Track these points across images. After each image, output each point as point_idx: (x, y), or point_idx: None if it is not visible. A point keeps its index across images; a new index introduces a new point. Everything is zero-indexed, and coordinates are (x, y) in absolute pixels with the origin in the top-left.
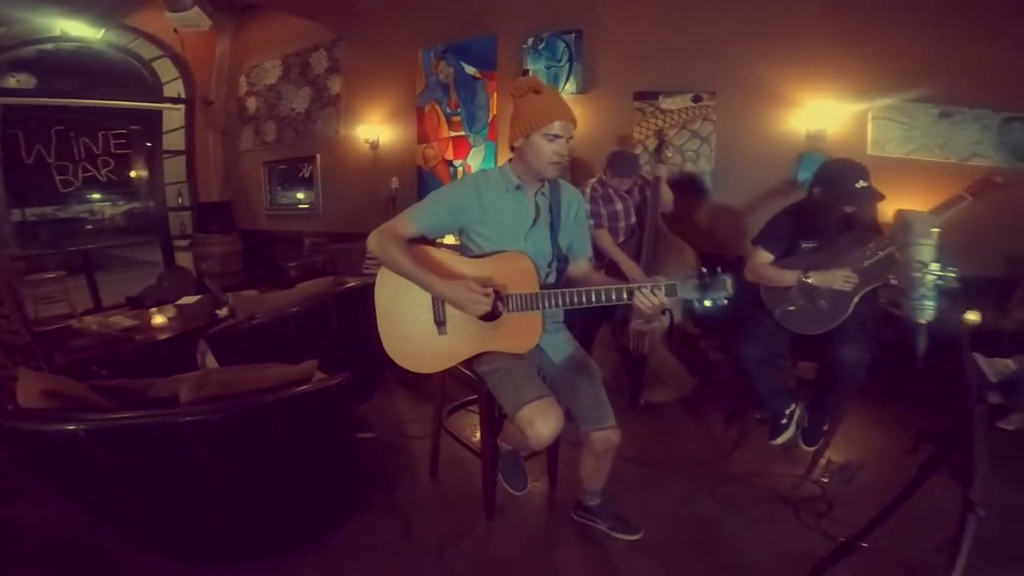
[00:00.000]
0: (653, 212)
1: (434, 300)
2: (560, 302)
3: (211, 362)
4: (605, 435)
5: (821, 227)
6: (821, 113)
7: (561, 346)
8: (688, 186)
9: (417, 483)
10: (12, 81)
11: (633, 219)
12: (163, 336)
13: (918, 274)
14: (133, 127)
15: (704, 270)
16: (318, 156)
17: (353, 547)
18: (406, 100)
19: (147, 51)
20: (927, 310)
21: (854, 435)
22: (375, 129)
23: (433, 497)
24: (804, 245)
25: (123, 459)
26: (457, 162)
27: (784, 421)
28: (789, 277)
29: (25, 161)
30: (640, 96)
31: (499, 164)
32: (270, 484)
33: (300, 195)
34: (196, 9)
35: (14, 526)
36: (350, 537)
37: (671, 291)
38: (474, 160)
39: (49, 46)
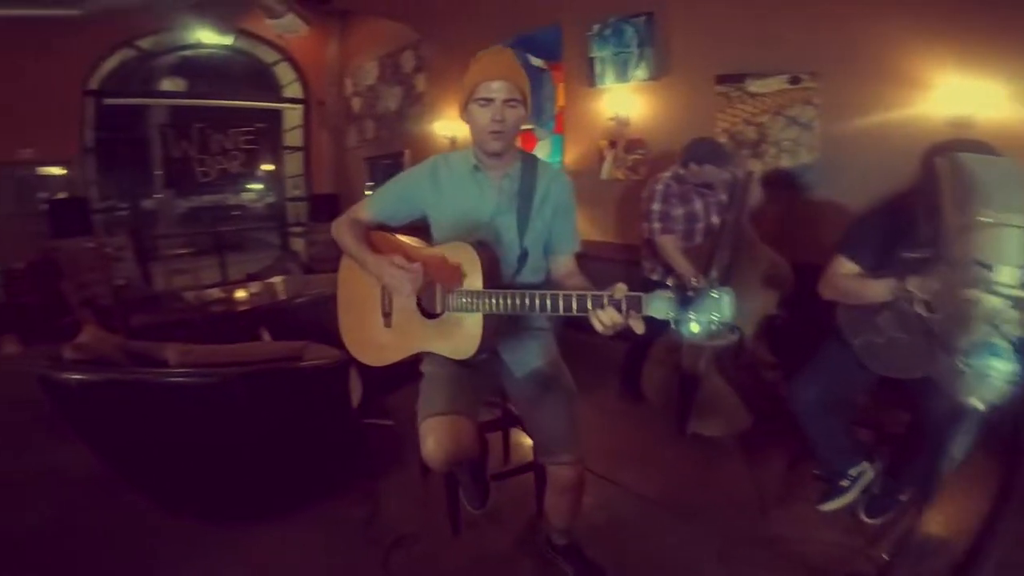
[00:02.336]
0: (738, 213)
1: (383, 290)
2: (503, 304)
3: (266, 337)
4: (559, 471)
5: (932, 230)
6: (964, 95)
7: (527, 357)
8: (784, 183)
9: (406, 478)
10: (168, 84)
11: (715, 218)
12: (242, 308)
13: (979, 292)
14: (259, 125)
15: (691, 282)
16: (407, 152)
17: (314, 524)
18: None
19: (269, 55)
20: (990, 381)
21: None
22: (453, 124)
23: (414, 494)
24: (907, 255)
25: (109, 411)
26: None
27: (845, 483)
28: (880, 289)
29: (173, 155)
30: (724, 80)
31: (566, 159)
32: (246, 451)
33: None
34: (291, 15)
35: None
36: (317, 514)
37: (634, 305)
38: (540, 153)
39: (189, 52)
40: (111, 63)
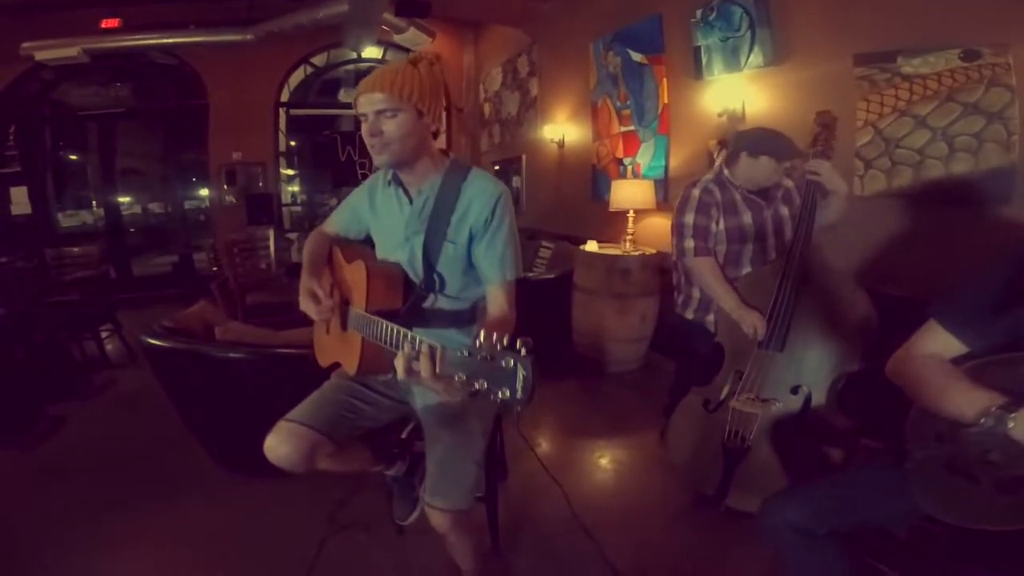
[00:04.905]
0: (803, 230)
1: None
2: (367, 330)
3: None
4: (429, 512)
5: None
6: None
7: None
8: (959, 193)
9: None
10: (344, 94)
11: (771, 239)
12: None
13: None
14: None
15: (494, 345)
16: (524, 157)
17: (302, 491)
18: (583, 97)
19: None
20: None
21: None
22: (560, 128)
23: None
24: None
25: (167, 367)
26: (627, 160)
27: None
28: (968, 401)
29: (340, 159)
30: (865, 60)
31: (671, 162)
32: (256, 417)
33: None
34: (412, 30)
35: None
36: (311, 484)
37: (435, 356)
38: (643, 157)
39: (351, 67)
40: (296, 78)
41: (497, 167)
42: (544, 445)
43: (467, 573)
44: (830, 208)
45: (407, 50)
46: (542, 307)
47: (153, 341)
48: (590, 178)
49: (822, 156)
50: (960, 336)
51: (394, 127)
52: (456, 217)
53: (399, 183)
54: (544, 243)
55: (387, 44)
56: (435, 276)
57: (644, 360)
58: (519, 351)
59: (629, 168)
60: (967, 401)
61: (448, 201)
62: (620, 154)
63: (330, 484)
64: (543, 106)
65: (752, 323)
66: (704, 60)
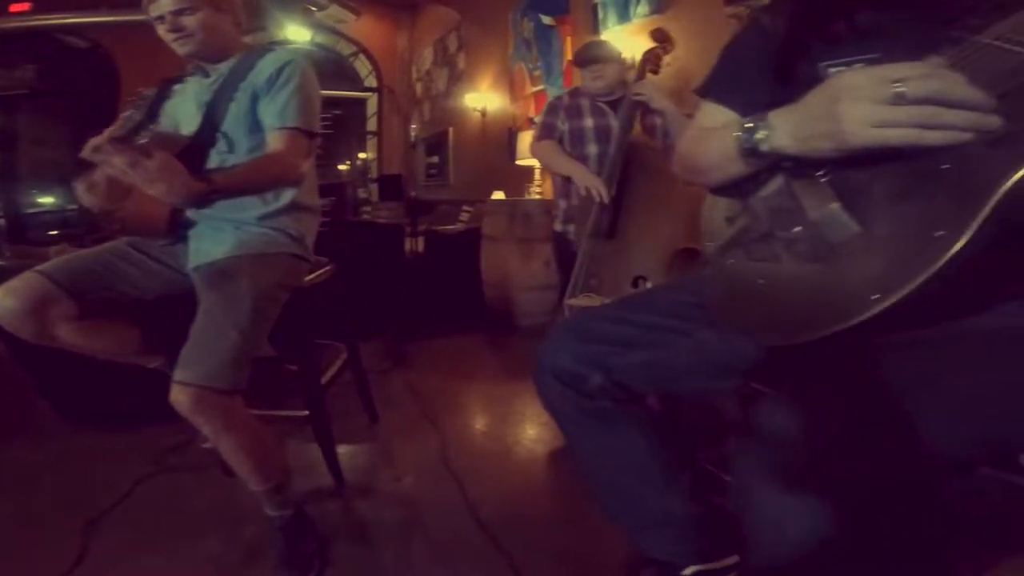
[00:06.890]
0: (618, 142)
1: None
2: None
3: None
4: (172, 390)
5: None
6: None
7: (210, 247)
8: None
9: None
10: None
11: (611, 147)
12: None
13: None
14: (336, 112)
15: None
16: (450, 129)
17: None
18: (503, 65)
19: (347, 48)
20: None
21: None
22: (483, 97)
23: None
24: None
25: None
26: (537, 118)
27: None
28: (721, 143)
29: None
30: None
31: None
32: None
33: (439, 166)
34: (334, 6)
35: None
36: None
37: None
38: None
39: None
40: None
41: (423, 143)
42: (431, 392)
43: (260, 495)
44: (672, 127)
45: (335, 31)
46: (452, 263)
47: None
48: (507, 140)
49: (643, 76)
50: (731, 103)
51: (194, 21)
52: (245, 83)
53: (202, 70)
54: (466, 208)
55: (318, 26)
56: (219, 135)
57: (554, 312)
58: None
59: None
60: (726, 132)
61: (241, 71)
62: (532, 113)
63: (168, 432)
64: (468, 78)
65: (596, 185)
66: (601, 15)
